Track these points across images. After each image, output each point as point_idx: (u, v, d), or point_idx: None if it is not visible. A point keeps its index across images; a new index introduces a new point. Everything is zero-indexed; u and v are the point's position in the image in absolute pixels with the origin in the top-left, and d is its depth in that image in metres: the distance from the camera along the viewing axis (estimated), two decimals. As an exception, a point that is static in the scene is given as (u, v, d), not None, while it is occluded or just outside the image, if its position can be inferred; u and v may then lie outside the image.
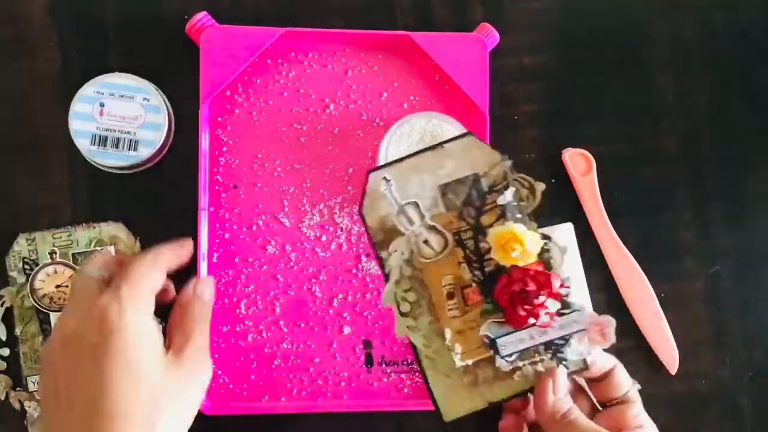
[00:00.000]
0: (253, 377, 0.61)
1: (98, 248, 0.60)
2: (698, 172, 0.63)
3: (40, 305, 0.59)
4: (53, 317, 0.60)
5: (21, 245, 0.60)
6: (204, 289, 0.54)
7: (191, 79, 0.61)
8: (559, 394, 0.51)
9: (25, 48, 0.61)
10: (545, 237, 0.49)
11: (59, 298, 0.60)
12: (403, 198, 0.51)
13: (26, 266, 0.60)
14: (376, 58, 0.62)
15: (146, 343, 0.48)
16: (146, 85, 0.59)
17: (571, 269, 0.60)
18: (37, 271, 0.59)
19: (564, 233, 0.60)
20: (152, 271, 0.51)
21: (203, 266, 0.59)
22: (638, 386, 0.54)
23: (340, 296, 0.61)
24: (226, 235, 0.61)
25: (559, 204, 0.62)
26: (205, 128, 0.60)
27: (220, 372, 0.60)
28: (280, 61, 0.62)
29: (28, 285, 0.59)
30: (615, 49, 0.64)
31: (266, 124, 0.61)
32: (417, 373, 0.60)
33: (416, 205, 0.51)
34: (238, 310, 0.61)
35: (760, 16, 0.65)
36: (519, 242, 0.48)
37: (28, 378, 0.60)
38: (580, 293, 0.60)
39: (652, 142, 0.63)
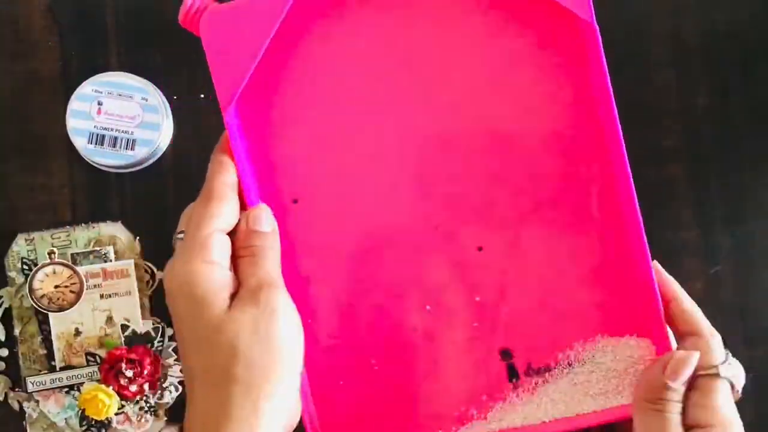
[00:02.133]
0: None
1: (97, 248, 0.60)
2: (698, 172, 0.63)
3: (38, 305, 0.59)
4: (52, 317, 0.60)
5: (20, 245, 0.60)
6: (257, 219, 0.43)
7: (190, 78, 0.61)
8: (671, 380, 0.42)
9: (24, 48, 0.61)
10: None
11: (58, 298, 0.59)
12: None
13: (25, 266, 0.60)
14: None
15: (201, 295, 0.41)
16: (145, 84, 0.59)
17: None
18: (36, 272, 0.59)
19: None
20: (207, 217, 0.43)
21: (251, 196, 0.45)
22: (735, 366, 0.44)
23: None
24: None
25: (558, 204, 0.62)
26: (238, 140, 0.45)
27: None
28: (322, 19, 0.46)
29: (27, 285, 0.59)
30: (615, 48, 0.63)
31: (327, 110, 0.46)
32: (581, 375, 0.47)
33: None
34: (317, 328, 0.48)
35: (760, 16, 0.64)
36: None
37: (27, 378, 0.60)
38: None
39: (652, 142, 0.63)
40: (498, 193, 0.47)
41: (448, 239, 0.47)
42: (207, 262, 0.41)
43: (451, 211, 0.47)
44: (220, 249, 0.42)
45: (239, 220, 0.43)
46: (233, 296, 0.42)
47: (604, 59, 0.44)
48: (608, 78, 0.44)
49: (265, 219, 0.44)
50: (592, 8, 0.43)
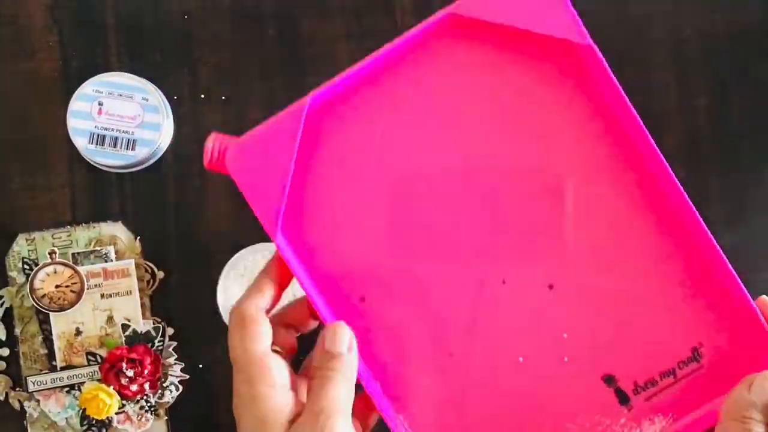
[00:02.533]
0: None
1: (98, 248, 0.60)
2: (698, 172, 0.63)
3: (39, 305, 0.59)
4: (53, 317, 0.60)
5: (20, 245, 0.60)
6: (334, 341, 0.44)
7: (190, 78, 0.61)
8: (755, 396, 0.43)
9: (25, 48, 0.61)
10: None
11: (59, 298, 0.60)
12: None
13: (26, 266, 0.60)
14: (432, 70, 0.46)
15: (262, 416, 0.42)
16: (145, 84, 0.59)
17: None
18: (37, 271, 0.59)
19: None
20: (250, 339, 0.44)
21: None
22: None
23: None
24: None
25: (558, 204, 0.62)
26: (293, 258, 0.45)
27: None
28: (329, 125, 0.47)
29: (28, 285, 0.59)
30: (615, 49, 0.63)
31: (368, 203, 0.47)
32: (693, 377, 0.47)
33: None
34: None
35: (760, 16, 0.64)
36: None
37: (27, 378, 0.60)
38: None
39: (652, 142, 0.63)
40: (561, 231, 0.47)
41: (517, 289, 0.47)
42: (269, 385, 0.42)
43: (515, 261, 0.47)
44: (278, 371, 0.43)
45: (318, 340, 0.44)
46: (296, 416, 0.42)
47: (612, 76, 0.45)
48: (622, 93, 0.46)
49: (340, 340, 0.44)
50: (584, 30, 0.45)
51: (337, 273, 0.46)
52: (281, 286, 0.46)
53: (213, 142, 0.44)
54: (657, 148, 0.45)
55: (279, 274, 0.45)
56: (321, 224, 0.46)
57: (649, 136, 0.45)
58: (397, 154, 0.46)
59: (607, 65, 0.45)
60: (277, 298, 0.45)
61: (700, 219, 0.46)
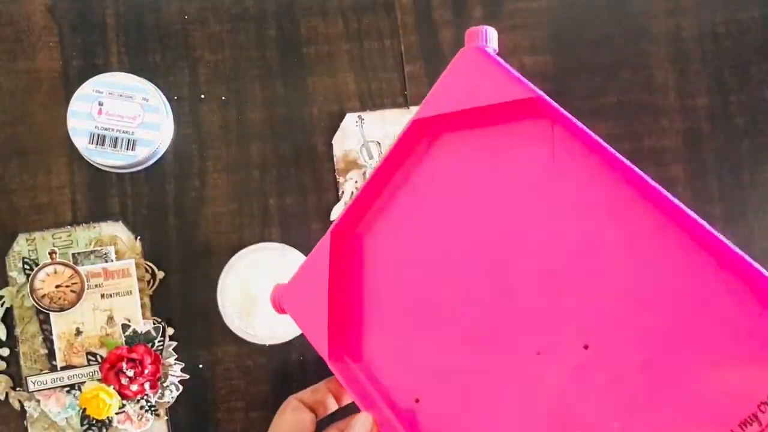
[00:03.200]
0: None
1: (98, 248, 0.60)
2: (698, 172, 0.63)
3: (39, 305, 0.59)
4: (53, 317, 0.60)
5: (21, 245, 0.60)
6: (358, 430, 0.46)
7: (190, 78, 0.61)
8: None
9: (25, 48, 0.62)
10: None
11: (59, 298, 0.60)
12: (368, 137, 0.60)
13: (26, 266, 0.60)
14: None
15: None
16: (145, 84, 0.59)
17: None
18: (37, 271, 0.59)
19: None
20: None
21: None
22: None
23: None
24: None
25: (558, 204, 0.62)
26: (348, 383, 0.47)
27: None
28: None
29: (28, 285, 0.59)
30: (615, 48, 0.64)
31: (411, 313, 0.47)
32: None
33: (378, 144, 0.61)
34: None
35: (760, 16, 0.64)
36: None
37: (27, 378, 0.60)
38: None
39: (652, 142, 0.63)
40: (594, 287, 0.44)
41: (553, 356, 0.44)
42: None
43: (551, 329, 0.44)
44: None
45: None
46: None
47: (570, 118, 0.43)
48: (588, 133, 0.42)
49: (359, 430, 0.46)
50: (528, 84, 0.43)
51: (393, 377, 0.48)
52: (337, 398, 0.52)
53: (274, 292, 0.49)
54: (648, 178, 0.41)
55: (338, 388, 0.52)
56: (375, 332, 0.48)
57: (638, 172, 0.40)
58: (421, 252, 0.47)
59: (561, 109, 0.43)
60: (326, 406, 0.52)
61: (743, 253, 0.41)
